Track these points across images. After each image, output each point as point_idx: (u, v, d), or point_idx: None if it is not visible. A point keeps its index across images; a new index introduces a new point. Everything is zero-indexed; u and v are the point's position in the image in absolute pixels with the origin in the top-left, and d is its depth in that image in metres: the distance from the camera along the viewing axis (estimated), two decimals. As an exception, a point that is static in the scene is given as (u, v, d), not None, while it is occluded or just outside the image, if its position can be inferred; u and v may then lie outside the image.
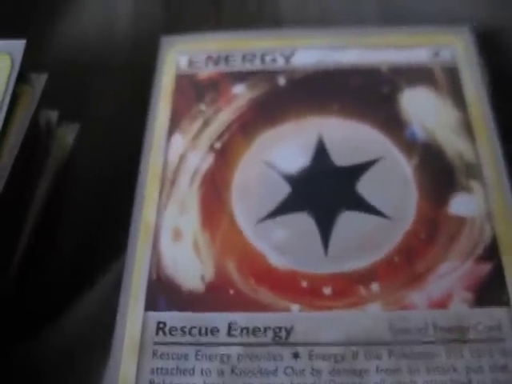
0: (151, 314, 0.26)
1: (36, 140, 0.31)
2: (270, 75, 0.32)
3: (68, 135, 0.33)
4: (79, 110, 0.33)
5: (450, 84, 0.31)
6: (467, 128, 0.30)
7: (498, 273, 0.26)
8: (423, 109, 0.30)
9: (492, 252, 0.26)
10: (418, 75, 0.31)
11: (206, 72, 0.32)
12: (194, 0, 0.37)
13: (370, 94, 0.31)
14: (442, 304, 0.25)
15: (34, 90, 0.30)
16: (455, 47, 0.32)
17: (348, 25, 0.33)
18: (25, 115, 0.29)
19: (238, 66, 0.32)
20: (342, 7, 0.36)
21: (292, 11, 0.36)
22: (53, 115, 0.32)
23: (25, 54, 0.29)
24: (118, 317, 0.26)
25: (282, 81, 0.32)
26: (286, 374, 0.24)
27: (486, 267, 0.26)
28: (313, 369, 0.24)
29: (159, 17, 0.37)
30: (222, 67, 0.32)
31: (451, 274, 0.26)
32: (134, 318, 0.26)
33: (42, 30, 0.36)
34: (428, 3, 0.35)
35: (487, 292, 0.26)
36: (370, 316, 0.25)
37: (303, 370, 0.24)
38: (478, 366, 0.24)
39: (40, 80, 0.31)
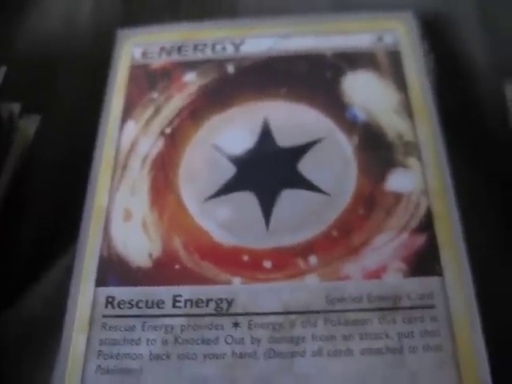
0: (101, 289, 0.27)
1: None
2: (219, 63, 0.33)
3: (30, 126, 0.34)
4: (41, 101, 0.34)
5: (392, 67, 0.32)
6: (407, 109, 0.31)
7: (431, 244, 0.27)
8: (365, 91, 0.31)
9: (426, 225, 0.28)
10: (362, 59, 0.32)
11: (159, 62, 0.34)
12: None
13: (314, 79, 0.32)
14: (376, 275, 0.26)
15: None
16: (398, 32, 0.33)
17: (300, 13, 0.34)
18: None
19: (189, 55, 0.34)
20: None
21: (249, 4, 0.38)
22: (15, 107, 0.34)
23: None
24: (70, 293, 0.27)
25: (230, 68, 0.33)
26: (226, 342, 0.26)
27: (421, 239, 0.27)
28: (252, 337, 0.26)
29: (119, 11, 0.38)
30: (175, 57, 0.34)
31: (386, 246, 0.27)
32: (84, 293, 0.27)
33: (4, 23, 0.38)
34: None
35: (421, 262, 0.27)
36: (307, 287, 0.26)
37: (243, 339, 0.26)
38: (410, 332, 0.25)
39: (-1, 72, 0.32)
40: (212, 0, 0.38)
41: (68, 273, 0.28)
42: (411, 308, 0.26)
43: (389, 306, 0.26)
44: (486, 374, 0.24)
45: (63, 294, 0.27)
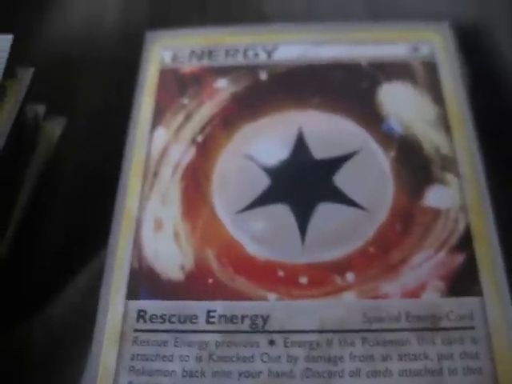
0: (132, 302, 0.26)
1: (23, 133, 0.31)
2: (251, 70, 0.32)
3: (55, 129, 0.33)
4: (66, 103, 0.34)
5: (429, 79, 0.31)
6: (444, 122, 0.30)
7: (470, 263, 0.27)
8: (401, 103, 0.31)
9: (465, 243, 0.27)
10: (397, 70, 0.32)
11: (189, 66, 0.33)
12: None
13: (349, 89, 0.31)
14: (414, 293, 0.26)
15: (21, 84, 0.31)
16: (434, 43, 0.32)
17: (332, 20, 0.34)
18: (12, 109, 0.30)
19: (220, 60, 0.33)
20: (328, 3, 0.36)
21: (277, 7, 0.37)
22: (40, 109, 0.33)
23: (12, 49, 0.30)
24: (100, 305, 0.27)
25: (263, 75, 0.32)
26: (262, 360, 0.25)
27: (460, 258, 0.27)
28: (288, 355, 0.25)
29: (146, 12, 0.37)
30: (206, 62, 0.33)
31: (425, 265, 0.27)
32: (115, 306, 0.26)
33: (30, 24, 0.37)
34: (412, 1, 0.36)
35: (460, 282, 0.26)
36: (344, 305, 0.26)
37: (279, 357, 0.25)
38: (449, 353, 0.25)
39: (27, 74, 0.31)
40: (238, 2, 0.38)
41: (96, 280, 0.28)
42: (451, 329, 0.25)
43: (428, 327, 0.25)
44: (526, 399, 0.24)
45: (91, 302, 0.27)
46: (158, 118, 0.31)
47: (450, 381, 0.24)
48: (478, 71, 0.32)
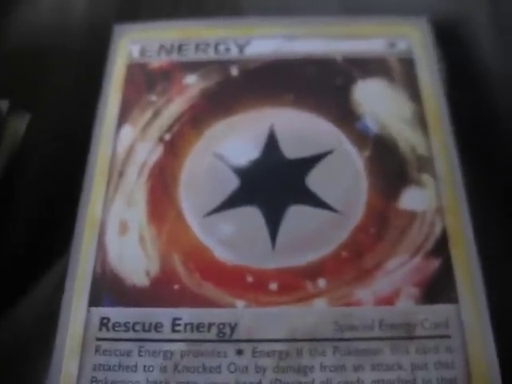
0: (95, 309, 0.25)
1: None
2: (223, 65, 0.31)
3: (19, 124, 0.32)
4: (31, 97, 0.32)
5: (406, 75, 0.30)
6: (421, 121, 0.29)
7: (446, 269, 0.26)
8: (377, 101, 0.30)
9: (441, 247, 0.26)
10: (373, 66, 0.31)
11: (158, 61, 0.31)
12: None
13: (323, 85, 0.30)
14: (388, 301, 0.25)
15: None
16: (412, 39, 0.31)
17: (307, 15, 0.33)
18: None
19: (190, 55, 0.32)
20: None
21: (252, 1, 0.36)
22: (3, 104, 0.32)
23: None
24: (62, 312, 0.25)
25: (234, 71, 0.31)
26: (229, 371, 0.24)
27: (435, 263, 0.26)
28: (257, 366, 0.24)
29: (115, 3, 0.36)
30: (175, 57, 0.31)
31: (399, 270, 0.26)
32: (77, 313, 0.25)
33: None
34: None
35: (435, 288, 0.25)
36: (315, 312, 0.25)
37: (247, 367, 0.24)
38: (424, 363, 0.24)
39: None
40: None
41: (58, 286, 0.26)
42: (425, 337, 0.24)
43: (402, 335, 0.24)
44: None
45: (54, 310, 0.26)
46: (124, 115, 0.30)
47: (424, 392, 0.23)
48: (455, 66, 0.31)
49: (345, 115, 0.29)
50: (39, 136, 0.32)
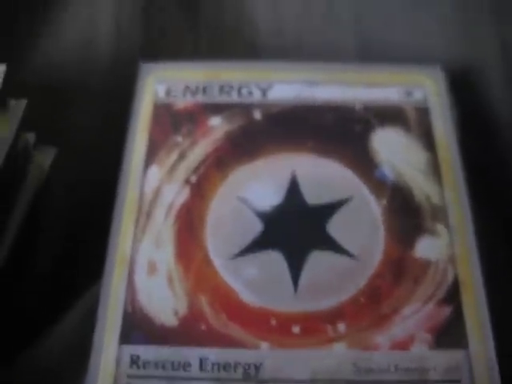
0: (125, 346, 0.27)
1: (14, 163, 0.31)
2: (246, 108, 0.33)
3: (45, 159, 0.33)
4: (57, 133, 0.33)
5: (421, 124, 0.32)
6: (435, 170, 0.31)
7: (457, 316, 0.27)
8: (394, 149, 0.31)
9: (453, 295, 0.28)
10: (391, 115, 0.32)
11: (183, 102, 0.33)
12: (172, 24, 0.38)
13: (343, 132, 0.32)
14: (403, 345, 0.27)
15: (14, 116, 0.31)
16: (427, 87, 0.33)
17: (323, 58, 0.34)
18: (3, 141, 0.30)
19: (215, 97, 0.33)
20: (319, 39, 0.37)
21: (269, 41, 0.37)
22: (30, 138, 0.33)
23: (4, 79, 0.30)
24: (93, 349, 0.27)
25: (257, 115, 0.32)
26: (255, 410, 0.25)
27: (447, 310, 0.27)
28: (280, 405, 0.26)
29: (138, 41, 0.37)
30: (200, 98, 0.33)
31: (414, 317, 0.27)
32: (108, 350, 0.26)
33: (21, 51, 0.36)
34: (403, 42, 0.36)
35: (446, 334, 0.27)
36: (335, 355, 0.26)
37: (271, 407, 0.25)
38: (436, 407, 0.25)
39: (19, 105, 0.31)
40: (231, 32, 0.37)
41: (87, 317, 0.28)
42: (437, 382, 0.26)
43: (415, 379, 0.26)
44: None
45: (83, 339, 0.27)
46: (151, 156, 0.31)
47: (436, 434, 0.25)
48: (468, 112, 0.32)
49: (363, 163, 0.31)
50: (65, 171, 0.33)
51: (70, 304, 0.30)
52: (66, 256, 0.31)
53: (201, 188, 0.30)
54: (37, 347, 0.29)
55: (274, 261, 0.28)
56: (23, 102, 0.31)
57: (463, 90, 0.33)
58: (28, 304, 0.30)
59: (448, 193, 0.30)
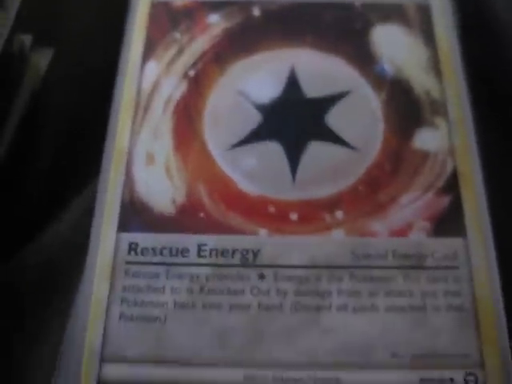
0: (123, 234, 0.27)
1: (9, 65, 0.31)
2: (245, 5, 0.32)
3: (42, 60, 0.33)
4: (53, 32, 0.33)
5: (421, 22, 0.31)
6: (435, 65, 0.30)
7: (456, 205, 0.27)
8: (394, 45, 0.31)
9: (452, 185, 0.28)
10: (391, 11, 0.32)
11: (181, 0, 0.32)
12: None
13: (342, 28, 0.31)
14: (401, 232, 0.27)
15: (8, 14, 0.30)
16: (428, -15, 0.32)
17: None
18: (-2, 39, 0.29)
19: (213, -5, 0.33)
20: None
21: None
22: (26, 39, 0.32)
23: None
24: (92, 237, 0.27)
25: (256, 11, 0.32)
26: (252, 294, 0.25)
27: (446, 199, 0.27)
28: (278, 289, 0.26)
29: None
30: (198, -5, 0.32)
31: (412, 205, 0.27)
32: (106, 238, 0.27)
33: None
34: None
35: (445, 222, 0.27)
36: (333, 241, 0.26)
37: (269, 291, 0.26)
38: (433, 291, 0.26)
39: (13, 4, 0.31)
40: None
41: (86, 213, 0.28)
42: (435, 268, 0.26)
43: (413, 265, 0.26)
44: (504, 337, 0.25)
45: (82, 235, 0.27)
46: (149, 52, 0.31)
47: (433, 317, 0.25)
48: (470, 13, 0.32)
49: (363, 58, 0.30)
50: (63, 72, 0.32)
51: (70, 201, 0.30)
52: (66, 153, 0.31)
53: (199, 82, 0.30)
54: (36, 243, 0.29)
55: (273, 151, 0.28)
56: (17, 1, 0.30)
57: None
58: (27, 201, 0.30)
59: (448, 88, 0.30)
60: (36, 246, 0.29)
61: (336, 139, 0.28)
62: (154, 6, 0.32)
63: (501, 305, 0.25)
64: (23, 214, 0.29)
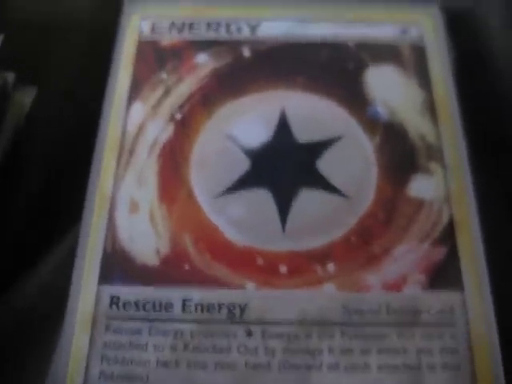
0: (105, 287, 0.25)
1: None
2: (234, 45, 0.31)
3: (25, 98, 0.32)
4: (37, 71, 0.32)
5: (416, 63, 0.30)
6: (430, 109, 0.29)
7: (452, 257, 0.26)
8: (388, 87, 0.30)
9: (448, 235, 0.27)
10: (385, 52, 0.31)
11: (169, 39, 0.31)
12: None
13: (335, 70, 0.30)
14: (396, 286, 0.25)
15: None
16: (424, 26, 0.31)
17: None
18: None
19: (202, 34, 0.31)
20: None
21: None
22: (9, 77, 0.31)
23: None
24: (72, 289, 0.25)
25: (246, 52, 0.31)
26: (239, 352, 0.24)
27: (442, 250, 0.26)
28: (266, 348, 0.24)
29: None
30: (186, 35, 0.31)
31: (407, 257, 0.26)
32: (87, 290, 0.25)
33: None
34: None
35: (441, 275, 0.26)
36: (324, 296, 0.25)
37: (256, 349, 0.24)
38: (429, 349, 0.24)
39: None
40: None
41: (67, 259, 0.26)
42: (431, 324, 0.25)
43: (408, 321, 0.25)
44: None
45: (62, 282, 0.26)
46: (135, 92, 0.30)
47: (428, 376, 0.24)
48: (466, 55, 0.31)
49: (356, 100, 0.29)
50: (46, 111, 0.31)
51: (50, 247, 0.29)
52: (48, 201, 0.30)
53: (186, 125, 0.29)
54: (14, 291, 0.28)
55: (262, 199, 0.27)
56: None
57: (461, 30, 0.32)
58: (5, 247, 0.29)
59: (444, 132, 0.29)
60: (13, 295, 0.28)
61: (328, 187, 0.27)
62: (140, 45, 0.31)
63: (499, 363, 0.24)
64: (4, 255, 0.28)
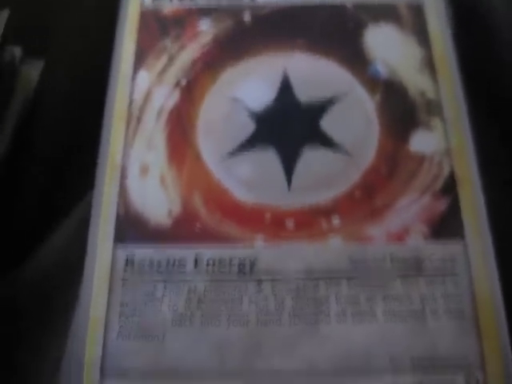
0: (120, 248, 0.26)
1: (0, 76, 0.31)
2: (235, 11, 0.32)
3: (33, 72, 0.33)
4: (43, 45, 0.33)
5: (415, 21, 0.31)
6: (430, 66, 0.30)
7: (454, 207, 0.27)
8: (387, 46, 0.31)
9: (449, 187, 0.27)
10: (383, 12, 0.31)
11: (170, 7, 0.32)
12: None
13: (335, 31, 0.31)
14: (399, 237, 0.26)
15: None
16: (420, -17, 0.32)
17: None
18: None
19: (203, 1, 0.32)
20: None
21: None
22: (16, 51, 0.32)
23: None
24: (88, 252, 0.26)
25: (247, 17, 0.32)
26: (250, 304, 0.25)
27: (443, 202, 0.27)
28: (276, 299, 0.25)
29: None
30: (187, 3, 0.32)
31: (409, 209, 0.27)
32: (103, 252, 0.26)
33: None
34: None
35: (443, 226, 0.27)
36: (330, 248, 0.26)
37: (267, 300, 0.25)
38: (432, 296, 0.25)
39: (1, 17, 0.30)
40: None
41: (82, 225, 0.27)
42: (433, 272, 0.26)
43: (411, 270, 0.26)
44: (505, 339, 0.25)
45: (78, 248, 0.27)
46: (139, 61, 0.30)
47: (433, 321, 0.25)
48: (463, 11, 0.32)
49: (356, 60, 0.30)
50: (54, 84, 0.32)
51: (65, 213, 0.30)
52: (60, 165, 0.31)
53: (191, 90, 0.30)
54: (32, 258, 0.29)
55: (267, 159, 0.28)
56: (5, 13, 0.30)
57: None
58: (21, 214, 0.30)
59: (443, 88, 0.29)
60: (33, 261, 0.29)
61: (331, 144, 0.28)
62: (143, 15, 0.32)
63: (501, 307, 0.25)
64: (18, 227, 0.29)
